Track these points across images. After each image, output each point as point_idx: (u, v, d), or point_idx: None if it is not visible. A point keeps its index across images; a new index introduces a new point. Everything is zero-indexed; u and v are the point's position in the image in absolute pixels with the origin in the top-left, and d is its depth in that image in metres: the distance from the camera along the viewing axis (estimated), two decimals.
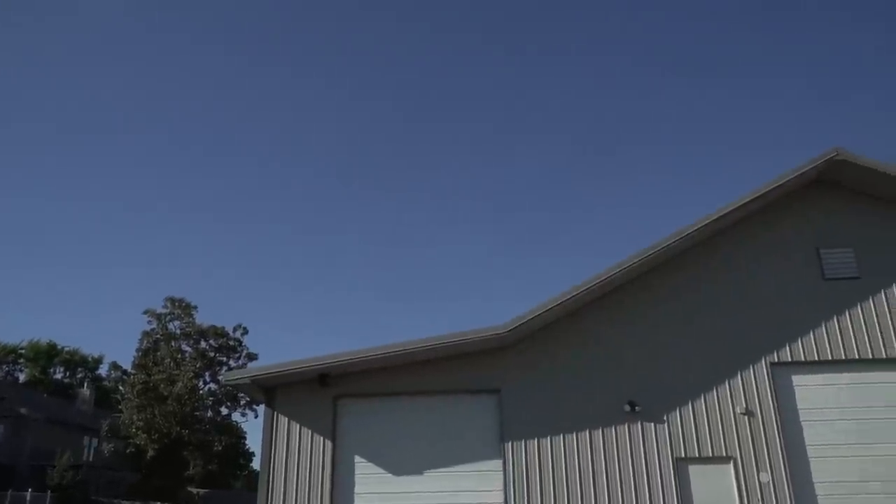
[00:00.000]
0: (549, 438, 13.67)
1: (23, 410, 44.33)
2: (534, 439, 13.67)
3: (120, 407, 44.73)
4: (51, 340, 69.93)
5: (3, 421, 43.94)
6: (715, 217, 14.38)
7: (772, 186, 14.48)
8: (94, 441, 48.63)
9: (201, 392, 45.37)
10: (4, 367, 68.06)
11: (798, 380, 13.93)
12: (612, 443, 13.59)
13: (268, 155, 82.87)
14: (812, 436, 13.53)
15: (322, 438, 13.82)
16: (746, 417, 13.62)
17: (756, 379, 13.89)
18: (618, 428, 13.68)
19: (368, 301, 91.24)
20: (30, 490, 33.50)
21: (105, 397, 59.31)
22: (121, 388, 46.87)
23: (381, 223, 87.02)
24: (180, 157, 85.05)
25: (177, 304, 45.82)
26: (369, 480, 13.71)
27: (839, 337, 14.06)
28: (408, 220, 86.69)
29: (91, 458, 47.08)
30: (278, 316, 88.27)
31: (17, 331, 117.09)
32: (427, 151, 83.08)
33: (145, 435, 42.24)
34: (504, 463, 13.56)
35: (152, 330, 45.22)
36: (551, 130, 74.59)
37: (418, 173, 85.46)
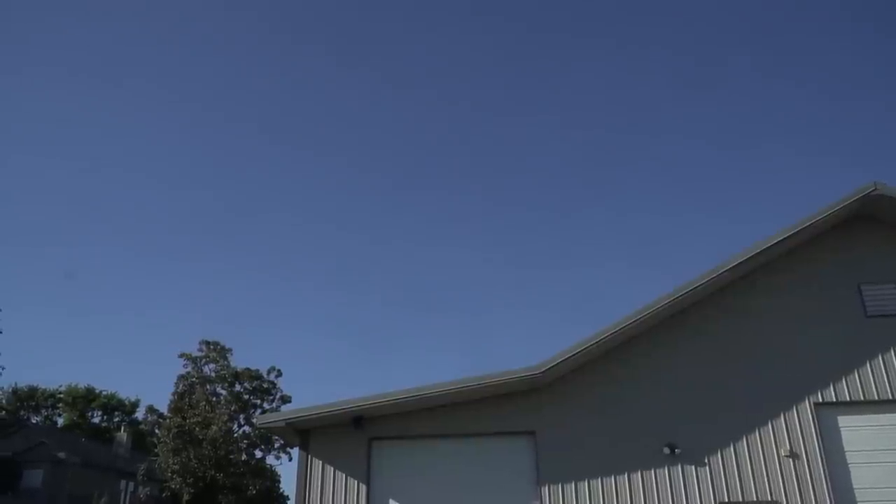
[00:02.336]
0: (586, 481, 13.39)
1: (61, 455, 44.80)
2: (571, 482, 13.40)
3: (156, 450, 44.93)
4: (89, 385, 70.92)
5: (42, 465, 44.42)
6: (753, 253, 14.17)
7: (809, 222, 14.24)
8: (131, 485, 48.83)
9: (236, 435, 45.43)
10: (43, 411, 69.03)
11: (844, 420, 13.54)
12: (651, 486, 13.26)
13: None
14: (859, 478, 13.08)
15: (356, 482, 13.69)
16: (791, 460, 13.23)
17: (800, 420, 13.52)
18: (657, 471, 13.36)
19: (407, 340, 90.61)
20: None
21: (142, 441, 59.64)
22: (157, 431, 47.07)
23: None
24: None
25: (212, 346, 46.21)
26: None
27: (885, 375, 13.67)
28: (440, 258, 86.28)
29: (128, 502, 47.21)
30: (312, 357, 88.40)
31: (55, 376, 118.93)
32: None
33: (181, 479, 42.29)
34: None
35: (188, 373, 45.58)
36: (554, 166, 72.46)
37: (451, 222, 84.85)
